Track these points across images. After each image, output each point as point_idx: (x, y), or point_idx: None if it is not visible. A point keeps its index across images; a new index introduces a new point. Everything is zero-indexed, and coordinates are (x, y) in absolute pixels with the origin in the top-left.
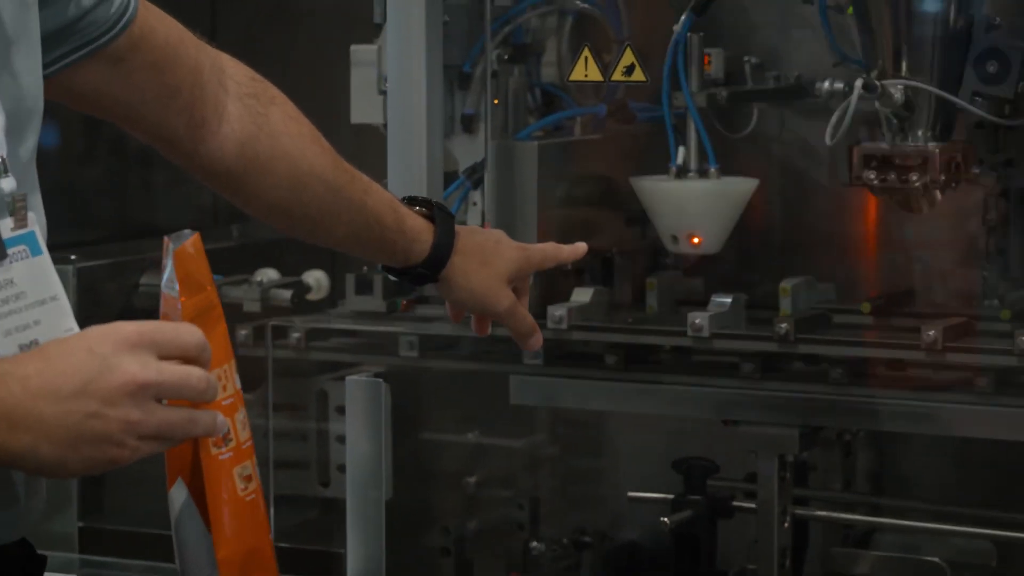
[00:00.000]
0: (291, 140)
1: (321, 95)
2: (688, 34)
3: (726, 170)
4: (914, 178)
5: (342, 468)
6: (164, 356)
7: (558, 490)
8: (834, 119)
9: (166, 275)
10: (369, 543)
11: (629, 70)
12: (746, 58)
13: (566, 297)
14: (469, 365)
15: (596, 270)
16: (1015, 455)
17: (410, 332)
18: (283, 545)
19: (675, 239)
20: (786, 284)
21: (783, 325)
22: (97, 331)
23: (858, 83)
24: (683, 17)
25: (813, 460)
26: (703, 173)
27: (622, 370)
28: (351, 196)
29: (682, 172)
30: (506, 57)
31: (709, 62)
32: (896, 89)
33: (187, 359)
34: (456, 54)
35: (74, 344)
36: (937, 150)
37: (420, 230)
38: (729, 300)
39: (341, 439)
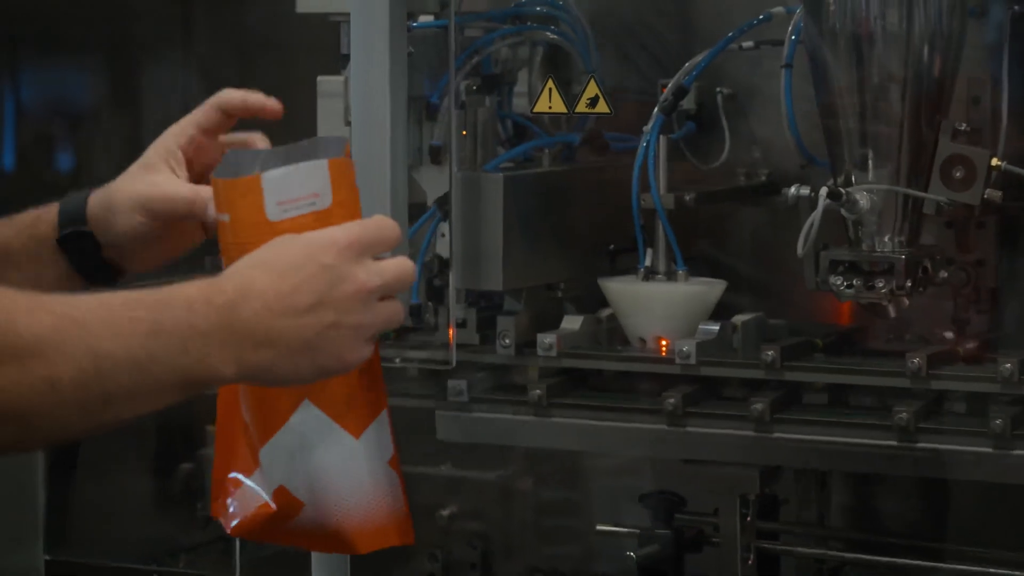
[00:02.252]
0: None
1: (290, 126)
2: (658, 136)
3: (694, 267)
4: (880, 284)
5: None
6: (376, 255)
7: (529, 523)
8: (803, 232)
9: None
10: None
11: (593, 102)
12: (718, 89)
13: (556, 324)
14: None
15: (583, 299)
16: (988, 490)
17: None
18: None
19: (643, 340)
20: (737, 320)
21: (770, 352)
22: (316, 243)
23: (823, 192)
24: (652, 118)
25: (786, 492)
26: (671, 275)
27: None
28: None
29: (650, 274)
30: (475, 88)
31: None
32: (862, 195)
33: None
34: (425, 85)
35: (301, 257)
36: (904, 256)
37: (43, 211)
38: (717, 327)
39: None
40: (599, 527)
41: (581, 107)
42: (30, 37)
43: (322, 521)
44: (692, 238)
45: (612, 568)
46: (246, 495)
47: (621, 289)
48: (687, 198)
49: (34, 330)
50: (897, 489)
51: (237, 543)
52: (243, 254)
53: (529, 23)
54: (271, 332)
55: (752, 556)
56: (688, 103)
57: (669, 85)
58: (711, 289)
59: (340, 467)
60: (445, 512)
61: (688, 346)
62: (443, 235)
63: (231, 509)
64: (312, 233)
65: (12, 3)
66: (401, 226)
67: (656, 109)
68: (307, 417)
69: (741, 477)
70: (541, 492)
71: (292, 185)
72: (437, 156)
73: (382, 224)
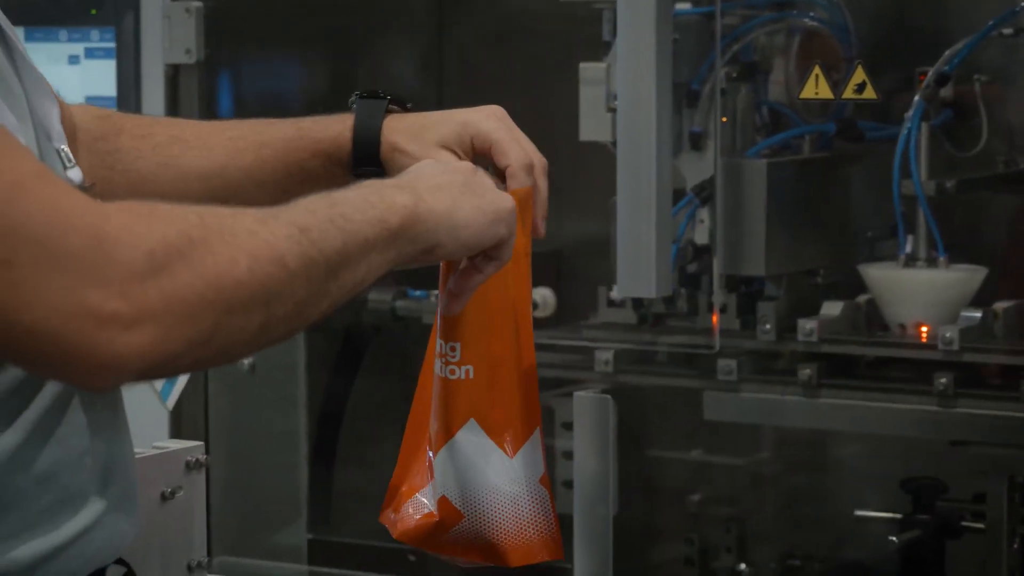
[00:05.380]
0: (147, 160)
1: (546, 113)
2: (919, 123)
3: (953, 253)
4: None
5: (568, 484)
6: None
7: (781, 509)
8: None
9: None
10: (596, 559)
11: (860, 88)
12: (976, 76)
13: (816, 311)
14: (663, 380)
15: (843, 285)
16: None
17: (607, 346)
18: None
19: (903, 327)
20: (998, 306)
21: None
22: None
23: None
24: (913, 105)
25: None
26: (932, 262)
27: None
28: (244, 164)
29: (911, 261)
30: (734, 75)
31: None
32: None
33: None
34: (685, 72)
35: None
36: None
37: (337, 136)
38: (979, 315)
39: (568, 455)
40: (858, 512)
41: (848, 93)
42: (253, 30)
43: (477, 533)
44: (951, 225)
45: (868, 554)
46: (414, 505)
47: (882, 276)
48: (948, 185)
49: (247, 223)
50: None
51: None
52: None
53: (790, 10)
54: (431, 178)
55: (1018, 541)
56: (946, 91)
57: (930, 72)
58: (972, 276)
59: (495, 484)
60: (696, 497)
61: (951, 332)
62: (701, 221)
63: (400, 515)
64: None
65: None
66: (664, 213)
67: (917, 96)
68: (470, 434)
69: (1011, 458)
70: (794, 477)
71: None
72: (697, 142)
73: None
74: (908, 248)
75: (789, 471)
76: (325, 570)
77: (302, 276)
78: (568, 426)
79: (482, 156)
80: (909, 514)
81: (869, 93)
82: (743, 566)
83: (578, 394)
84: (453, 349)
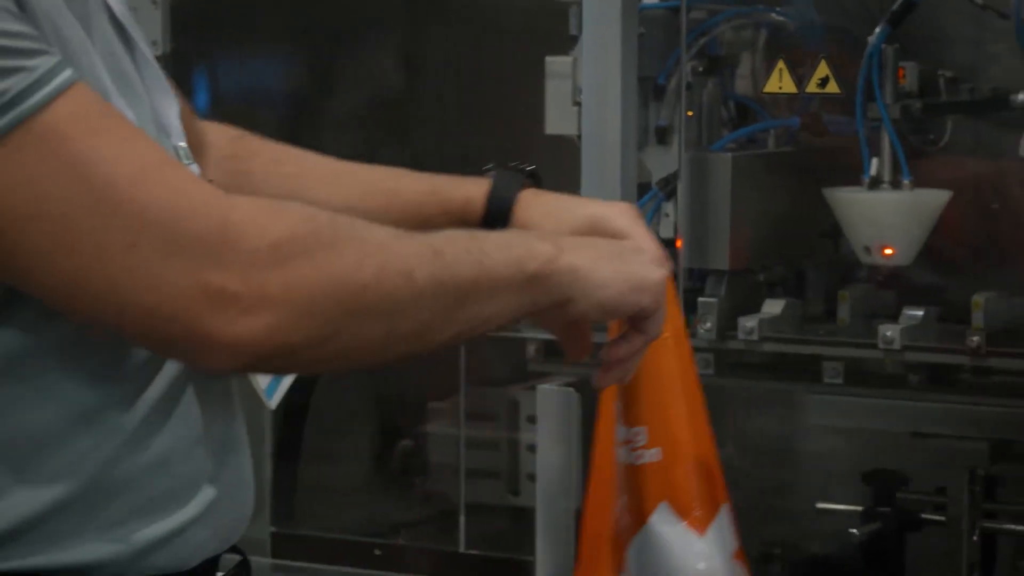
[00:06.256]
0: (278, 187)
1: (517, 107)
2: (883, 46)
3: (919, 182)
4: None
5: (532, 477)
6: None
7: (746, 502)
8: None
9: None
10: (559, 552)
11: (823, 82)
12: (940, 72)
13: (757, 308)
14: None
15: (788, 282)
16: None
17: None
18: (472, 553)
19: (868, 250)
20: (978, 297)
21: (975, 338)
22: None
23: None
24: (878, 29)
25: (1002, 473)
26: (896, 185)
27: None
28: (371, 208)
29: (875, 183)
30: (700, 69)
31: (904, 75)
32: None
33: None
34: (651, 66)
35: None
36: None
37: (470, 199)
38: (921, 313)
39: (532, 448)
40: (819, 505)
41: (812, 87)
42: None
43: None
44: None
45: (830, 547)
46: None
47: (846, 198)
48: (914, 107)
49: (380, 236)
50: None
51: (462, 519)
52: None
53: (757, 4)
54: (581, 239)
55: (978, 534)
56: (911, 84)
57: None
58: (937, 197)
59: (690, 565)
60: None
61: (892, 331)
62: (667, 215)
63: None
64: None
65: None
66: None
67: (883, 20)
68: (662, 518)
69: (972, 450)
70: (756, 470)
71: None
72: (663, 136)
73: None
74: (873, 171)
75: (751, 464)
76: (289, 563)
77: (429, 296)
78: (533, 419)
79: None
80: (870, 506)
81: (832, 87)
82: None
83: (542, 387)
84: (638, 434)
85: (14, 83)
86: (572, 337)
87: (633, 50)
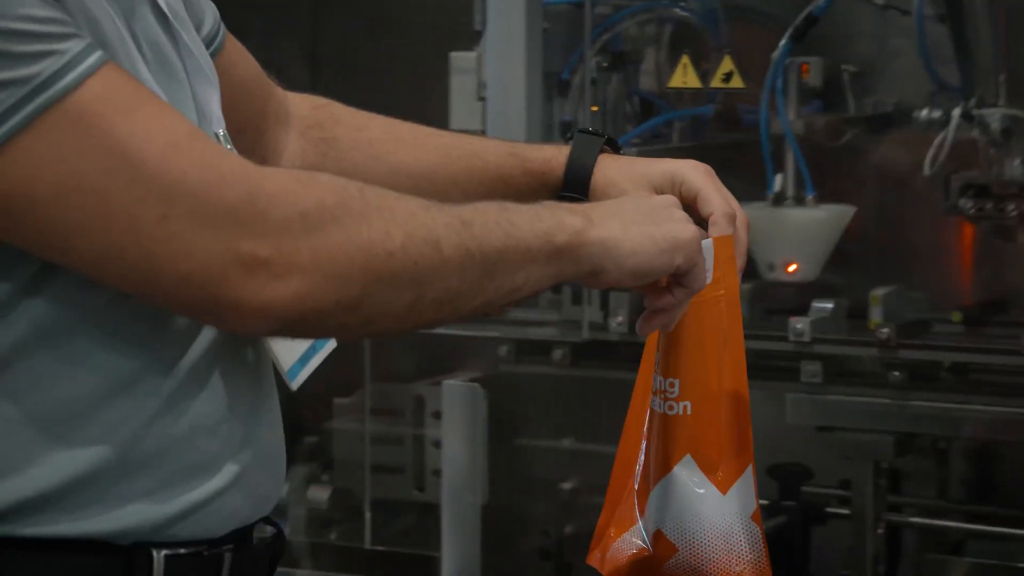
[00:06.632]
0: (361, 152)
1: (421, 102)
2: (787, 60)
3: (823, 196)
4: (1011, 208)
5: (438, 473)
6: None
7: None
8: (932, 151)
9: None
10: (464, 547)
11: (728, 77)
12: (844, 67)
13: None
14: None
15: None
16: None
17: (505, 337)
18: (378, 549)
19: (771, 267)
20: (876, 293)
21: (885, 331)
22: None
23: (955, 113)
24: (782, 43)
25: (907, 467)
26: (800, 200)
27: None
28: (453, 171)
29: (779, 199)
30: (605, 65)
31: (808, 71)
32: (994, 118)
33: None
34: (555, 61)
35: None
36: None
37: (550, 159)
38: (831, 306)
39: (437, 444)
40: None
41: (716, 82)
42: None
43: (691, 567)
44: (819, 168)
45: None
46: (624, 542)
47: (752, 215)
48: (818, 124)
49: (410, 206)
50: (1012, 461)
51: (367, 515)
52: None
53: (661, 0)
54: (613, 207)
55: (883, 526)
56: (815, 80)
57: (800, 16)
58: (841, 214)
59: (708, 519)
60: (567, 485)
61: (802, 324)
62: None
63: (610, 554)
64: None
65: None
66: None
67: (786, 36)
68: (687, 469)
69: (876, 444)
70: None
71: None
72: (567, 132)
73: None
74: (777, 186)
75: None
76: None
77: (456, 264)
78: (439, 415)
79: (688, 205)
80: (775, 500)
81: (736, 82)
82: None
83: (447, 382)
84: (672, 385)
85: (46, 66)
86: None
87: (538, 45)
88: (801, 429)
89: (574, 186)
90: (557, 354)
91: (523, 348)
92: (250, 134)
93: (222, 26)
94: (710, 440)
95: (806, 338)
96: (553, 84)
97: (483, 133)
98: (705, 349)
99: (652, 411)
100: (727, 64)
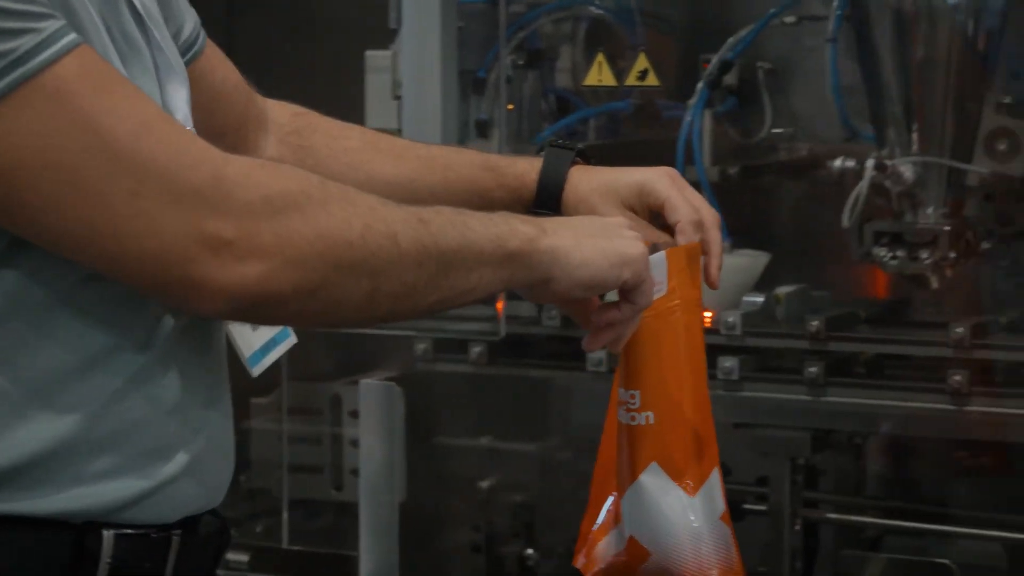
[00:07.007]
0: (338, 161)
1: (338, 101)
2: (703, 109)
3: (739, 241)
4: (924, 256)
5: (355, 472)
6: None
7: (570, 494)
8: (849, 202)
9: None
10: (382, 546)
11: (643, 75)
12: (759, 64)
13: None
14: (454, 367)
15: None
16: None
17: (422, 335)
18: (296, 548)
19: None
20: (781, 292)
21: (814, 323)
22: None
23: (869, 163)
24: (697, 89)
25: (823, 464)
26: None
27: None
28: (430, 181)
29: None
30: (521, 63)
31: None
32: (907, 167)
33: None
34: (471, 59)
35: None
36: (947, 227)
37: (522, 175)
38: (761, 299)
39: (355, 443)
40: None
41: (631, 80)
42: None
43: (663, 569)
44: (735, 211)
45: None
46: (604, 547)
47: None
48: (731, 171)
49: (369, 200)
50: (927, 457)
51: (285, 515)
52: None
53: None
54: (567, 221)
55: (799, 522)
56: (730, 77)
57: (713, 60)
58: (756, 261)
59: (677, 523)
60: (485, 484)
61: (734, 317)
62: None
63: (591, 558)
64: None
65: None
66: None
67: (701, 83)
68: (653, 477)
69: (793, 441)
70: (582, 463)
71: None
72: (484, 130)
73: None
74: None
75: (578, 457)
76: None
77: (412, 258)
78: (356, 414)
79: (656, 213)
80: None
81: (652, 80)
82: (531, 551)
83: (364, 381)
84: (633, 397)
85: (23, 43)
86: (580, 311)
87: (453, 44)
88: (718, 426)
89: (547, 201)
90: (474, 352)
91: (440, 346)
92: (230, 139)
93: (202, 32)
94: (675, 447)
95: (738, 331)
96: (469, 82)
97: (399, 132)
98: (662, 360)
99: (619, 422)
100: (642, 62)
